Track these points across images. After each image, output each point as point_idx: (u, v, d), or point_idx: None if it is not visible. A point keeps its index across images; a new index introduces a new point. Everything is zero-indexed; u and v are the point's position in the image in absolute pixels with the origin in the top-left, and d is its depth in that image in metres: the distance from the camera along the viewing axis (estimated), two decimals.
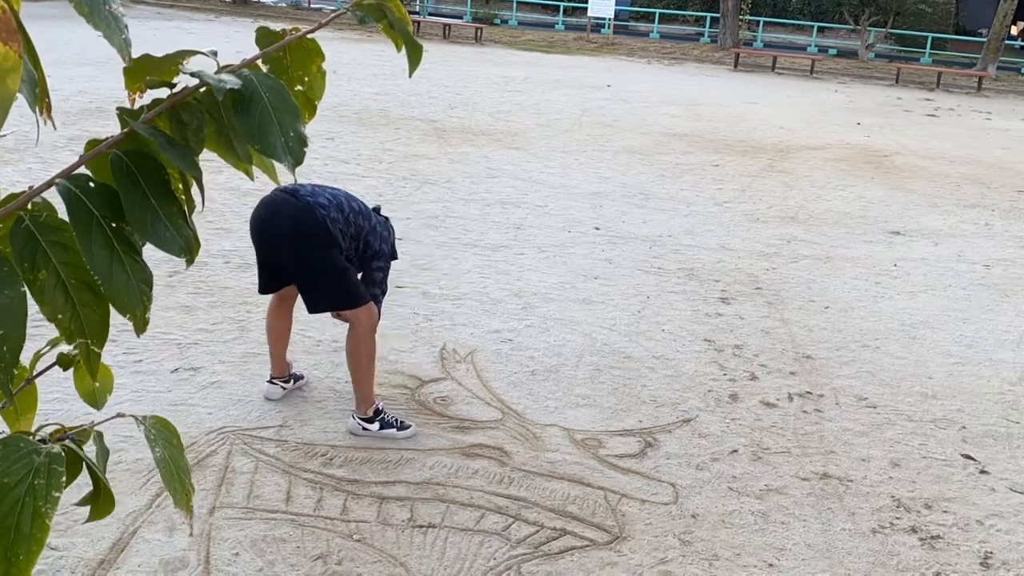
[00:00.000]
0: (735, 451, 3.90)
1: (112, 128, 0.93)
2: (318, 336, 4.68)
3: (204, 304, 4.98)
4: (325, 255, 3.60)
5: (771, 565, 3.15)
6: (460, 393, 4.20)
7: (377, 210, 4.00)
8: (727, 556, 3.18)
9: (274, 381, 4.01)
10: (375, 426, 3.76)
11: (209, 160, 1.13)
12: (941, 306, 5.99)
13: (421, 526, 3.18)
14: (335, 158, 8.80)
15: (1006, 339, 5.49)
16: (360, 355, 3.74)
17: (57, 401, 3.54)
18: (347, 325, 3.80)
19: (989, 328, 5.65)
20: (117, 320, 0.93)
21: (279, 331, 4.01)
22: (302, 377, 4.16)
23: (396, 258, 4.13)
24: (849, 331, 5.39)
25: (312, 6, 29.13)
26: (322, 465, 3.51)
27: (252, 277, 5.39)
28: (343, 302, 3.71)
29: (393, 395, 4.12)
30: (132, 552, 2.92)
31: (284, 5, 29.24)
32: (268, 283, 3.89)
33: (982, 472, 3.92)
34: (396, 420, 3.81)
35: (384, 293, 4.01)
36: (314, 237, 3.56)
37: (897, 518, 3.51)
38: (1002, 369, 5.03)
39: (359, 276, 3.83)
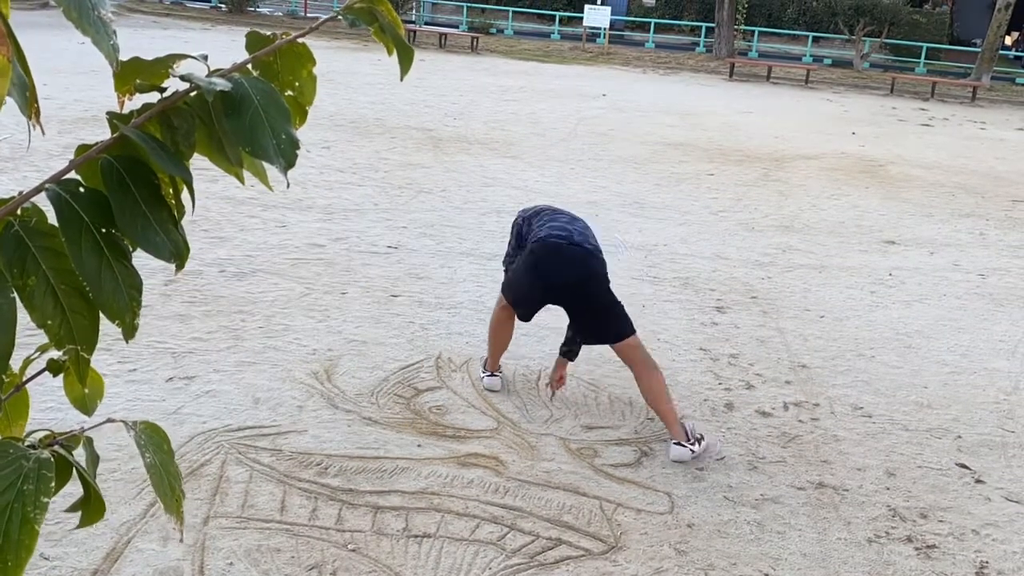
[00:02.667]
0: (731, 460, 3.90)
1: (107, 137, 0.93)
2: (314, 345, 4.67)
3: (199, 313, 4.97)
4: (608, 292, 4.01)
5: (767, 575, 3.14)
6: (456, 402, 4.19)
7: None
8: (723, 566, 3.17)
9: (495, 374, 4.38)
10: (699, 445, 3.87)
11: (205, 169, 1.12)
12: (936, 315, 6.00)
13: (416, 536, 3.17)
14: (331, 167, 8.80)
15: (1001, 348, 5.49)
16: (656, 383, 3.92)
17: (51, 410, 3.53)
18: None
19: (984, 337, 5.66)
20: (112, 329, 0.93)
21: (508, 340, 4.35)
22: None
23: None
24: (844, 340, 5.39)
25: (308, 14, 29.17)
26: (317, 475, 3.50)
27: (247, 286, 5.40)
28: (622, 332, 3.95)
29: (388, 404, 4.11)
30: (126, 562, 2.91)
31: (280, 14, 29.29)
32: (531, 314, 4.17)
33: (977, 481, 3.92)
34: (700, 434, 3.96)
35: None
36: (602, 279, 4.00)
37: (893, 527, 3.50)
38: (997, 378, 5.03)
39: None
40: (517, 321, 4.24)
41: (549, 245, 3.96)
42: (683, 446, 3.82)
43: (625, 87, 18.12)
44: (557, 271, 3.93)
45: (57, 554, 2.91)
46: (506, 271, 4.33)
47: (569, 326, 4.19)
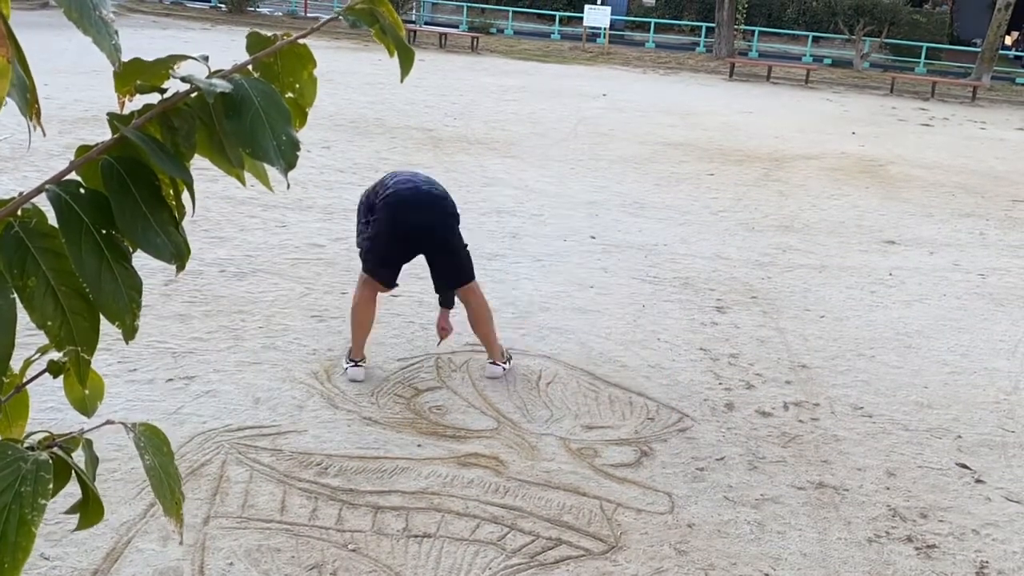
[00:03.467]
0: (731, 460, 3.90)
1: (108, 136, 0.93)
2: (314, 345, 4.67)
3: (199, 313, 4.96)
4: (456, 233, 4.33)
5: (767, 575, 3.14)
6: (456, 402, 4.19)
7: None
8: (723, 566, 3.17)
9: (358, 363, 4.36)
10: (509, 364, 4.51)
11: (205, 169, 1.12)
12: (936, 315, 6.00)
13: (416, 536, 3.17)
14: (331, 167, 8.80)
15: (1001, 348, 5.49)
16: (488, 315, 4.45)
17: (52, 410, 3.53)
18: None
19: (984, 337, 5.66)
20: (112, 330, 0.93)
21: (371, 321, 4.41)
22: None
23: None
24: (844, 340, 5.39)
25: (308, 15, 29.17)
26: (317, 475, 3.50)
27: (247, 286, 5.40)
28: (470, 275, 4.38)
29: (388, 404, 4.11)
30: (126, 562, 2.91)
31: (280, 14, 29.28)
32: (394, 275, 4.37)
33: (978, 481, 3.91)
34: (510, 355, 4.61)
35: None
36: (453, 224, 4.30)
37: (893, 527, 3.50)
38: (997, 378, 5.03)
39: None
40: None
41: (401, 193, 4.18)
42: (497, 364, 4.45)
43: (625, 87, 18.12)
44: (415, 217, 4.17)
45: (57, 554, 2.91)
46: (360, 249, 4.42)
47: (432, 275, 4.44)
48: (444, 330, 4.60)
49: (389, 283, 4.36)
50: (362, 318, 4.36)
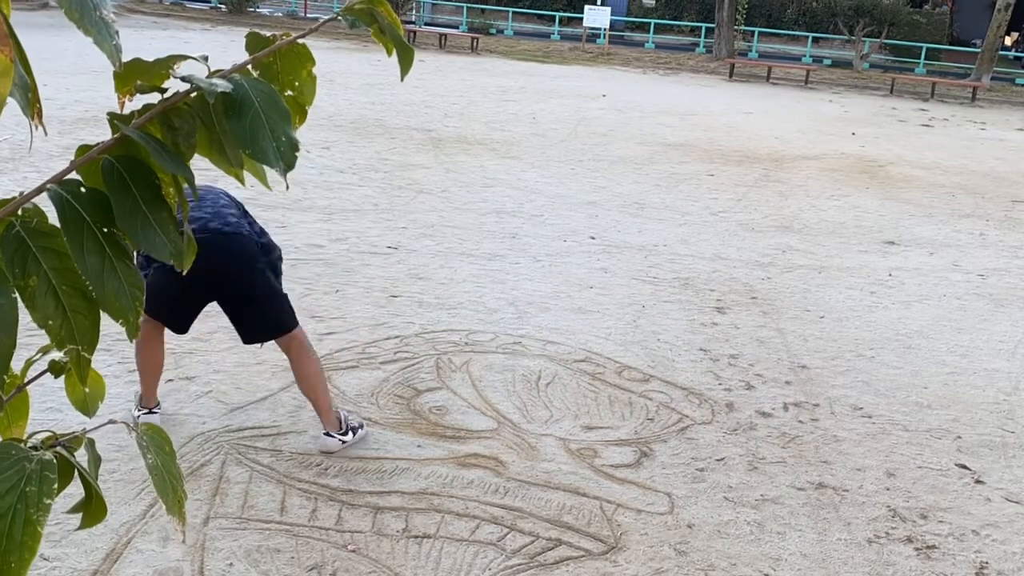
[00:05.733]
0: (731, 461, 3.90)
1: (108, 137, 0.93)
2: (314, 345, 4.67)
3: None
4: (260, 275, 3.52)
5: (767, 575, 3.14)
6: (455, 403, 4.19)
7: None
8: (723, 566, 3.17)
9: (152, 410, 3.77)
10: (350, 436, 3.69)
11: (205, 169, 1.12)
12: (936, 316, 6.00)
13: (416, 536, 3.17)
14: (331, 167, 8.80)
15: (1001, 349, 5.49)
16: (317, 373, 3.65)
17: (51, 411, 3.53)
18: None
19: (984, 338, 5.66)
20: (113, 330, 0.93)
21: (159, 363, 3.77)
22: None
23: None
24: (844, 341, 5.40)
25: (308, 15, 29.17)
26: (316, 475, 3.50)
27: None
28: (285, 324, 3.58)
29: (388, 404, 4.11)
30: (126, 563, 2.91)
31: (280, 15, 29.29)
32: (184, 322, 3.67)
33: (977, 482, 3.92)
34: (358, 422, 3.80)
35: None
36: (251, 263, 3.49)
37: (893, 528, 3.50)
38: (997, 379, 5.03)
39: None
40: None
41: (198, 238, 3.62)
42: (333, 436, 3.64)
43: (625, 87, 18.12)
44: (201, 260, 3.50)
45: (57, 555, 2.91)
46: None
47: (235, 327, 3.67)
48: None
49: (178, 329, 3.68)
50: (148, 363, 3.71)
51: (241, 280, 3.50)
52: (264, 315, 3.56)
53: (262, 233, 3.69)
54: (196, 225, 3.38)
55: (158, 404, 3.80)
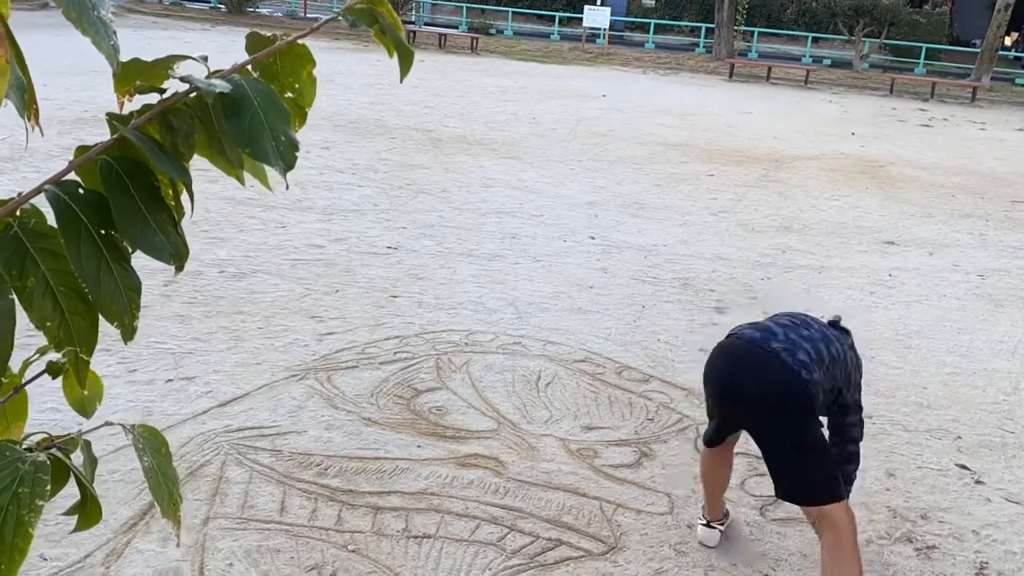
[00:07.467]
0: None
1: (107, 137, 0.93)
2: (314, 345, 4.67)
3: (199, 314, 4.96)
4: (804, 433, 2.80)
5: (767, 575, 3.14)
6: (455, 403, 4.19)
7: (835, 324, 3.22)
8: (723, 567, 3.16)
9: (712, 525, 3.31)
10: None
11: (205, 170, 1.12)
12: (935, 316, 6.00)
13: (416, 537, 3.17)
14: (331, 167, 8.80)
15: (1001, 349, 5.49)
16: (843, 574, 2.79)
17: (51, 411, 3.52)
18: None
19: (984, 338, 5.65)
20: (111, 330, 0.92)
21: (721, 478, 3.30)
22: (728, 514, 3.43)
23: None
24: None
25: (308, 15, 29.17)
26: (317, 475, 3.49)
27: (246, 287, 5.39)
28: (813, 495, 2.84)
29: (388, 404, 4.10)
30: (125, 563, 2.90)
31: (280, 15, 29.29)
32: (720, 437, 3.16)
33: (977, 482, 3.91)
34: None
35: (857, 466, 3.16)
36: (794, 410, 2.78)
37: (893, 528, 3.50)
38: (997, 379, 5.03)
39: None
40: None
41: (728, 345, 2.98)
42: None
43: (625, 88, 18.11)
44: (728, 382, 2.91)
45: (56, 555, 2.90)
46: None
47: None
48: None
49: (708, 442, 3.19)
50: (707, 475, 3.30)
51: (774, 416, 2.83)
52: (791, 472, 2.88)
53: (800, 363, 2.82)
54: (745, 333, 2.93)
55: (726, 515, 3.36)
